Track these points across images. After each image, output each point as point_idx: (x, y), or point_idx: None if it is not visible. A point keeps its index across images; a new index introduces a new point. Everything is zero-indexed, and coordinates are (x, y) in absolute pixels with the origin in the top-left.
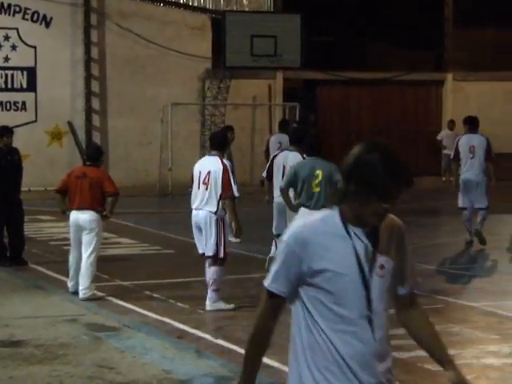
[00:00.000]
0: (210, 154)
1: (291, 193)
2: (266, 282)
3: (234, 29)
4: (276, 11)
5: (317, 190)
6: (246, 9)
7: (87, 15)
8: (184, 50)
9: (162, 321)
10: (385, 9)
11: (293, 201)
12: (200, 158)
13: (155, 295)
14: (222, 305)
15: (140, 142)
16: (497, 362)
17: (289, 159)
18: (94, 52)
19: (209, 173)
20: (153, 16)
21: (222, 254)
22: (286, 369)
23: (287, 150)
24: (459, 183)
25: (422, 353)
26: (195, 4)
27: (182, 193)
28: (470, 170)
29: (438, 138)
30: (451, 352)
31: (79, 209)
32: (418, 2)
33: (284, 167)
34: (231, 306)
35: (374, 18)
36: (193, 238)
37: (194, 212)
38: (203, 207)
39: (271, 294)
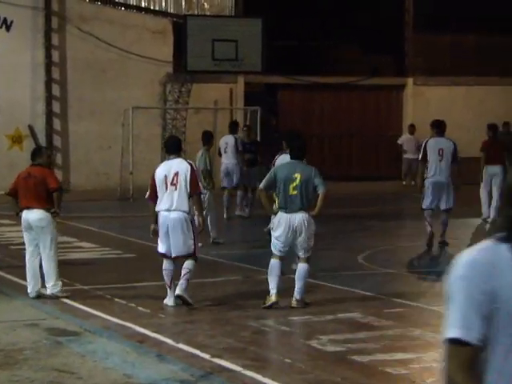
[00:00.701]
0: (169, 158)
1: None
2: (452, 332)
3: (195, 33)
4: (237, 15)
5: (294, 193)
6: (208, 13)
7: (48, 19)
8: (145, 53)
9: (123, 325)
10: (346, 14)
11: None
12: (162, 160)
13: (116, 299)
14: (188, 297)
15: (101, 146)
16: None
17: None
18: (55, 56)
19: (177, 173)
20: (114, 20)
21: (198, 253)
22: (246, 372)
23: (285, 152)
24: (426, 185)
25: (382, 357)
26: (156, 8)
27: (143, 196)
28: (439, 172)
29: (399, 142)
30: (411, 356)
31: (28, 208)
32: (379, 8)
33: None
34: (192, 303)
35: (335, 22)
36: (154, 242)
37: (163, 213)
38: (176, 208)
39: (462, 344)
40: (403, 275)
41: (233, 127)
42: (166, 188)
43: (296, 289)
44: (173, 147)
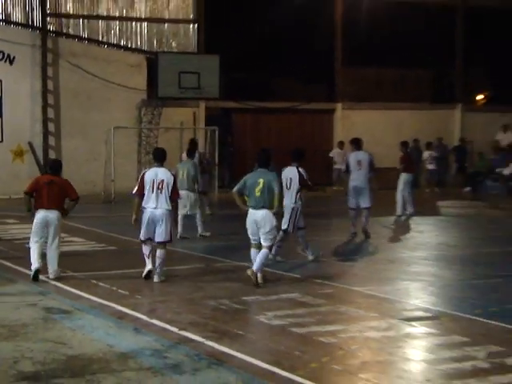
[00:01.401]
0: (157, 166)
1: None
2: None
3: (165, 66)
4: (199, 52)
5: (258, 194)
6: (175, 50)
7: (44, 55)
8: (124, 83)
9: (107, 304)
10: (288, 52)
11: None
12: (138, 170)
13: (101, 284)
14: (163, 277)
15: (88, 159)
16: (376, 335)
17: (285, 172)
18: (50, 85)
19: (162, 181)
20: (98, 55)
21: (172, 239)
22: (207, 343)
23: (291, 165)
24: (349, 189)
25: (316, 328)
26: (133, 46)
27: (123, 200)
28: (358, 179)
29: (330, 155)
30: (339, 327)
31: (48, 208)
32: (313, 45)
33: (290, 179)
34: (163, 277)
35: (279, 59)
36: (132, 236)
37: (149, 210)
38: (161, 207)
39: None
40: (332, 262)
41: (191, 144)
42: (153, 190)
43: (255, 263)
44: (159, 157)
